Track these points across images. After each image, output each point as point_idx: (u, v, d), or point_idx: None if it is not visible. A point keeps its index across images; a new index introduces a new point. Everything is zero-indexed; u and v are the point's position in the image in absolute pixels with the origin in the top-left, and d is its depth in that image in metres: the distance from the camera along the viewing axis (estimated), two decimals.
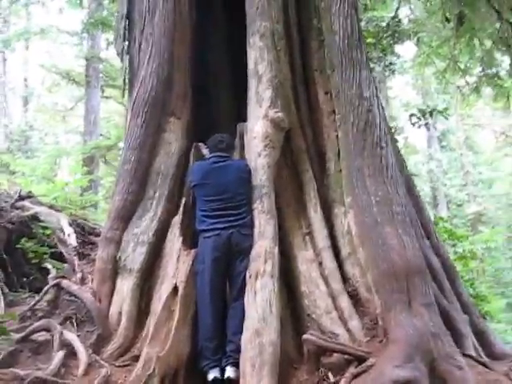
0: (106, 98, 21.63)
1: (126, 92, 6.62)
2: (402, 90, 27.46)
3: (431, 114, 7.19)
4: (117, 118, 24.28)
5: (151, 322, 4.84)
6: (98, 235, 7.16)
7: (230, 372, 4.61)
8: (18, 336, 4.42)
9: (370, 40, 8.72)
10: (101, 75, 19.24)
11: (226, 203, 5.07)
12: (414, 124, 7.27)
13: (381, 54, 9.43)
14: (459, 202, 26.89)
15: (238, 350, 4.51)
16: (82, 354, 4.27)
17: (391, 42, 9.40)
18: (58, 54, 26.18)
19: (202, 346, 4.79)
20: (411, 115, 7.32)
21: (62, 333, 4.41)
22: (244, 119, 5.76)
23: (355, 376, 4.13)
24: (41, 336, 4.55)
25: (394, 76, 15.05)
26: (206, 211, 5.12)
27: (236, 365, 4.56)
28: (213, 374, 4.65)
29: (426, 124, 7.29)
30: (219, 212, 5.05)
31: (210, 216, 5.07)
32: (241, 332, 4.54)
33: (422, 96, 27.43)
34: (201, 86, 6.60)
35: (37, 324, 4.61)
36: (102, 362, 4.33)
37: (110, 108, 24.72)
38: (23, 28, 22.02)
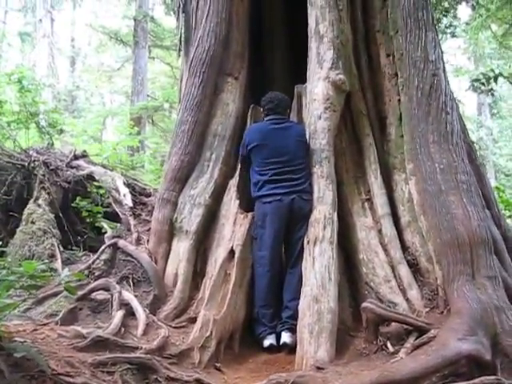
0: (153, 58, 21.61)
1: (181, 52, 6.54)
2: (453, 54, 26.62)
3: (496, 79, 6.85)
4: (163, 79, 24.29)
5: (207, 285, 4.84)
6: (148, 195, 7.19)
7: (285, 337, 4.59)
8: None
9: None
10: (148, 36, 19.17)
11: (285, 166, 4.95)
12: (475, 90, 6.97)
13: (440, 16, 9.05)
14: (508, 171, 26.18)
15: (294, 317, 4.49)
16: (141, 314, 4.28)
17: (453, 2, 9.00)
18: (105, 14, 26.26)
19: (258, 312, 4.77)
20: (474, 80, 7.00)
21: (120, 292, 4.42)
22: (300, 80, 5.61)
23: (416, 347, 4.03)
24: (99, 295, 4.59)
25: (447, 39, 14.50)
26: (265, 175, 4.99)
27: (292, 330, 4.54)
28: (268, 341, 4.65)
29: (491, 90, 6.97)
30: (279, 176, 4.94)
31: (270, 180, 4.96)
32: (298, 298, 4.50)
33: (474, 61, 26.58)
34: (257, 45, 6.46)
35: (96, 283, 4.65)
36: (160, 323, 4.33)
37: (156, 69, 24.73)
38: None
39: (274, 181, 4.95)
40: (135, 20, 18.60)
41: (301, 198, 4.87)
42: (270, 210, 4.89)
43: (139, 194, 7.18)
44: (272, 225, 4.87)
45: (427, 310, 4.58)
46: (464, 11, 15.54)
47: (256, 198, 5.06)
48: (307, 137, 5.18)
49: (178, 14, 6.46)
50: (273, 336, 4.67)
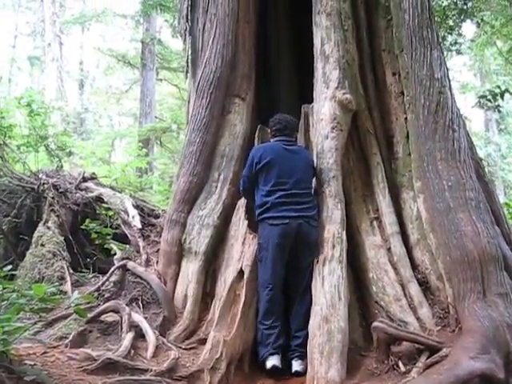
0: (160, 80, 21.80)
1: (188, 74, 6.59)
2: (459, 71, 26.67)
3: (502, 95, 6.87)
4: (170, 101, 24.47)
5: (216, 306, 4.83)
6: (157, 217, 7.21)
7: (296, 366, 4.55)
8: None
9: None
10: (156, 58, 19.37)
11: (292, 189, 4.87)
12: (482, 106, 6.98)
13: (445, 34, 9.09)
14: None
15: (303, 345, 4.46)
16: (151, 336, 4.29)
17: (457, 20, 9.04)
18: (113, 38, 26.56)
19: (261, 334, 4.71)
20: (480, 97, 7.01)
21: (130, 314, 4.42)
22: (307, 100, 5.65)
23: (428, 366, 4.00)
24: (109, 317, 4.59)
25: (452, 57, 14.57)
26: (272, 196, 4.87)
27: (302, 358, 4.52)
28: (271, 362, 4.54)
29: (498, 106, 6.98)
30: (287, 199, 4.85)
31: (278, 203, 4.84)
32: (306, 328, 4.46)
33: (480, 78, 26.61)
34: (264, 66, 6.51)
35: (105, 305, 4.65)
36: (170, 345, 4.33)
37: (164, 90, 24.94)
38: (79, 12, 22.34)
39: (282, 203, 4.84)
40: (143, 43, 18.82)
41: (308, 223, 4.81)
42: (277, 234, 4.79)
43: (148, 216, 7.20)
44: (276, 248, 4.78)
45: (438, 328, 4.54)
46: (469, 28, 15.63)
47: (262, 220, 4.94)
48: (314, 158, 5.19)
49: (185, 37, 6.52)
50: (276, 357, 4.57)
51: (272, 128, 5.31)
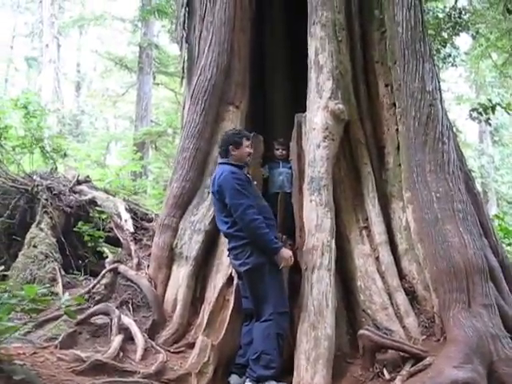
0: (157, 84, 21.85)
1: (184, 80, 6.67)
2: (455, 82, 26.84)
3: (493, 108, 6.97)
4: (167, 105, 24.53)
5: (206, 310, 4.89)
6: (150, 221, 7.27)
7: None
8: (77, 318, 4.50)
9: (429, 31, 8.49)
10: (153, 62, 19.43)
11: None
12: (474, 119, 7.09)
13: (439, 46, 9.20)
14: (510, 199, 26.16)
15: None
16: (140, 338, 4.34)
17: (451, 33, 9.16)
18: (110, 41, 26.61)
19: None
20: (472, 110, 7.11)
21: (120, 317, 4.47)
22: (301, 109, 5.71)
23: (412, 374, 4.07)
24: (99, 319, 4.64)
25: (448, 68, 14.70)
26: None
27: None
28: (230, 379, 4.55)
29: (488, 119, 7.08)
30: None
31: None
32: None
33: (475, 89, 26.78)
34: (259, 74, 6.58)
35: (96, 307, 4.71)
36: (159, 348, 4.38)
37: (160, 95, 24.99)
38: (78, 14, 22.40)
39: None
40: (140, 47, 18.88)
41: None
42: None
43: (141, 219, 7.26)
44: None
45: (424, 337, 4.61)
46: (464, 40, 15.77)
47: None
48: (306, 166, 5.25)
49: (182, 44, 6.59)
50: (234, 376, 4.55)
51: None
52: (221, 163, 4.81)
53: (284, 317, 4.46)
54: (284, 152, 6.13)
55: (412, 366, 4.18)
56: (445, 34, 9.15)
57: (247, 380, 4.34)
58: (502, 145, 27.99)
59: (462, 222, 4.77)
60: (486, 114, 7.18)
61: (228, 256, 4.79)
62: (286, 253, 4.54)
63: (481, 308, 4.40)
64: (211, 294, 5.01)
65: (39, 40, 24.18)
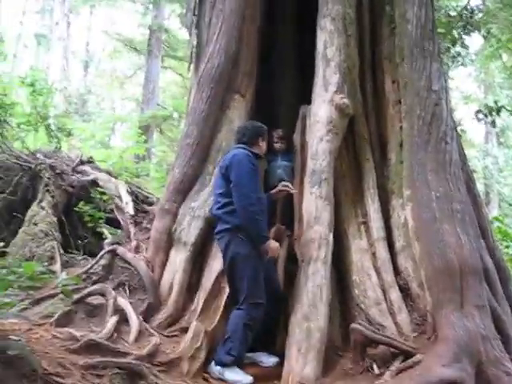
0: (165, 68, 21.82)
1: (191, 66, 6.66)
2: (463, 81, 26.72)
3: (498, 111, 6.97)
4: (174, 89, 24.50)
5: (201, 296, 4.92)
6: (151, 204, 7.30)
7: None
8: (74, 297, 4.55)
9: (439, 30, 8.47)
10: (162, 45, 19.39)
11: None
12: (479, 120, 7.08)
13: (449, 45, 9.17)
14: None
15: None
16: (134, 321, 4.38)
17: (462, 33, 9.13)
18: (121, 22, 26.53)
19: None
20: (477, 111, 7.10)
21: (116, 298, 4.52)
22: (307, 101, 5.72)
23: (401, 370, 4.11)
24: (95, 299, 4.68)
25: (457, 67, 14.66)
26: None
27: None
28: None
29: (493, 121, 7.07)
30: None
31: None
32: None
33: (483, 90, 26.68)
34: (266, 65, 6.58)
35: (92, 288, 4.74)
36: (152, 331, 4.43)
37: (168, 78, 24.95)
38: None
39: None
40: (150, 29, 18.83)
41: None
42: None
43: (142, 202, 7.29)
44: None
45: (415, 334, 4.63)
46: (475, 40, 15.68)
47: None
48: (308, 159, 5.28)
49: (191, 30, 6.59)
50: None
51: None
52: (238, 147, 4.87)
53: (257, 308, 4.51)
54: (283, 145, 6.11)
55: (402, 362, 4.20)
56: (455, 33, 9.12)
57: (213, 361, 4.46)
58: (507, 147, 27.90)
59: (460, 222, 4.78)
60: (492, 115, 7.18)
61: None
62: (273, 244, 4.64)
63: (473, 309, 4.41)
64: (207, 280, 5.03)
65: (49, 17, 24.14)
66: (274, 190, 5.19)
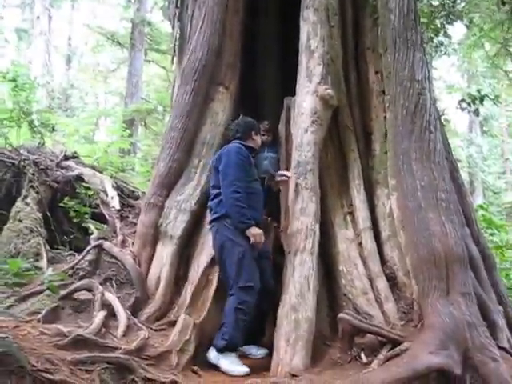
0: (148, 61, 21.70)
1: (175, 59, 6.64)
2: (447, 71, 26.89)
3: (482, 100, 7.00)
4: (157, 82, 24.39)
5: (188, 289, 4.93)
6: (136, 198, 7.28)
7: None
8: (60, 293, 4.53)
9: (422, 20, 8.48)
10: (145, 39, 19.28)
11: None
12: (462, 109, 7.11)
13: (432, 35, 9.20)
14: (496, 189, 26.41)
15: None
16: (122, 315, 4.36)
17: (444, 22, 9.16)
18: (103, 15, 26.32)
19: None
20: (461, 100, 7.14)
21: (103, 293, 4.50)
22: (291, 93, 5.72)
23: (388, 358, 4.13)
24: (82, 295, 4.66)
25: (440, 57, 14.71)
26: None
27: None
28: None
29: (476, 110, 7.11)
30: None
31: None
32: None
33: (467, 79, 26.87)
34: (250, 57, 6.56)
35: (79, 283, 4.72)
36: (140, 325, 4.42)
37: (151, 72, 24.83)
38: None
39: None
40: (133, 23, 18.70)
41: None
42: None
43: (127, 197, 7.26)
44: None
45: (402, 323, 4.67)
46: (457, 30, 15.76)
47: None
48: (293, 150, 5.28)
49: (174, 22, 6.56)
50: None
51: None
52: (233, 142, 5.12)
53: (247, 291, 4.60)
54: (269, 137, 6.13)
55: (389, 350, 4.22)
56: (438, 23, 9.15)
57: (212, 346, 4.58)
58: (491, 135, 28.19)
59: (445, 211, 4.80)
60: (475, 104, 7.22)
61: None
62: (255, 230, 4.73)
63: (459, 296, 4.44)
64: (195, 273, 5.05)
65: (30, 11, 23.88)
66: (273, 181, 5.38)
